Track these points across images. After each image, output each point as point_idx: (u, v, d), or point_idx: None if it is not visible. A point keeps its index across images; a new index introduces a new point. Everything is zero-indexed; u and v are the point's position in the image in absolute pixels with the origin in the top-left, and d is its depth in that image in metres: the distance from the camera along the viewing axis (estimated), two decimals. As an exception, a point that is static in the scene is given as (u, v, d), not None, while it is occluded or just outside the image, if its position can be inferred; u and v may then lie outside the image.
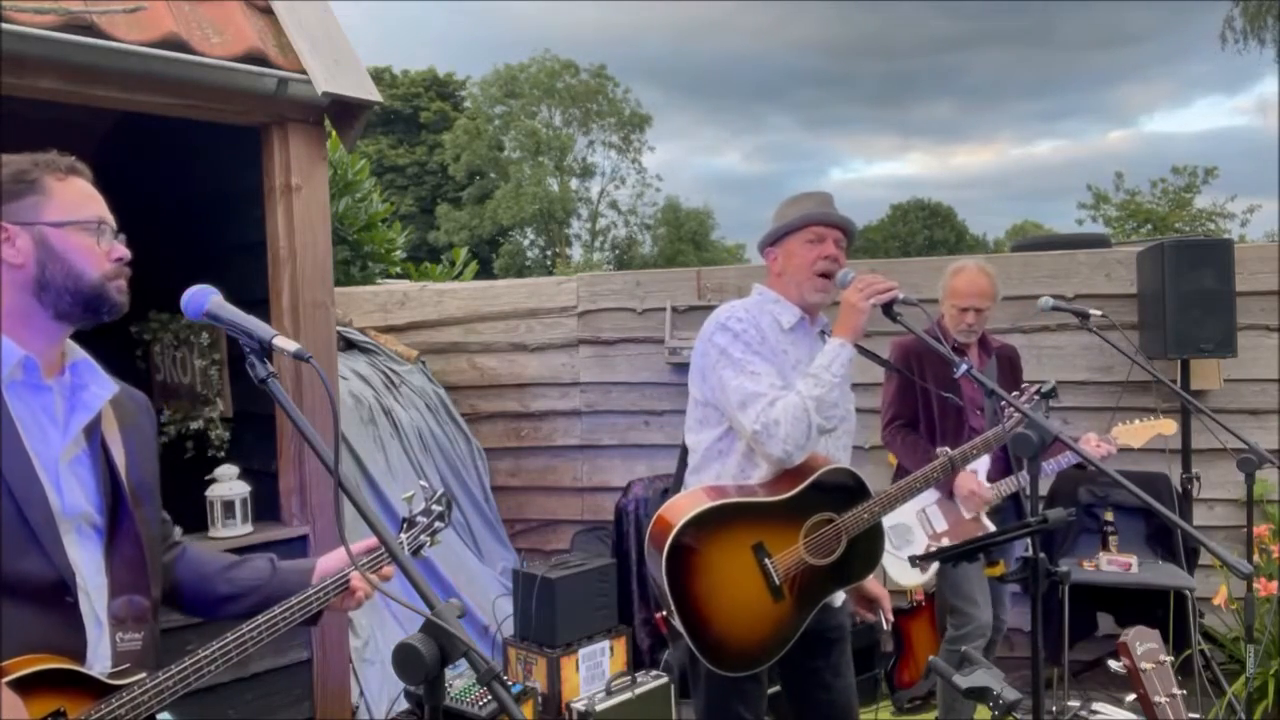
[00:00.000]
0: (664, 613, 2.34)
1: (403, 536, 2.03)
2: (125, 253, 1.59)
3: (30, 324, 1.53)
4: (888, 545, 3.37)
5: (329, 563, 1.86)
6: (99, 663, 1.53)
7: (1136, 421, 3.49)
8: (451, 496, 2.15)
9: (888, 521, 3.39)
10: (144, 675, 1.55)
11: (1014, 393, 2.69)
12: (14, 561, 1.44)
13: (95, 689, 1.49)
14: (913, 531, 3.42)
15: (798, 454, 2.34)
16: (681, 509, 2.31)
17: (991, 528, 3.36)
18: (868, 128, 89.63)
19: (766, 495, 2.35)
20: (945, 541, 3.35)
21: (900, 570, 3.42)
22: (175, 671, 1.57)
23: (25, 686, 1.41)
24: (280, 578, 1.81)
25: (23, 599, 1.45)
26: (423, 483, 2.16)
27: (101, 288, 1.55)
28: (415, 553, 2.04)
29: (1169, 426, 3.51)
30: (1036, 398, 2.63)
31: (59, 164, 1.56)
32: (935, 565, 3.36)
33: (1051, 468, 3.43)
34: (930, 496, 3.41)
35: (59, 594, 1.49)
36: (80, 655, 1.51)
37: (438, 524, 2.06)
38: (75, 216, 1.54)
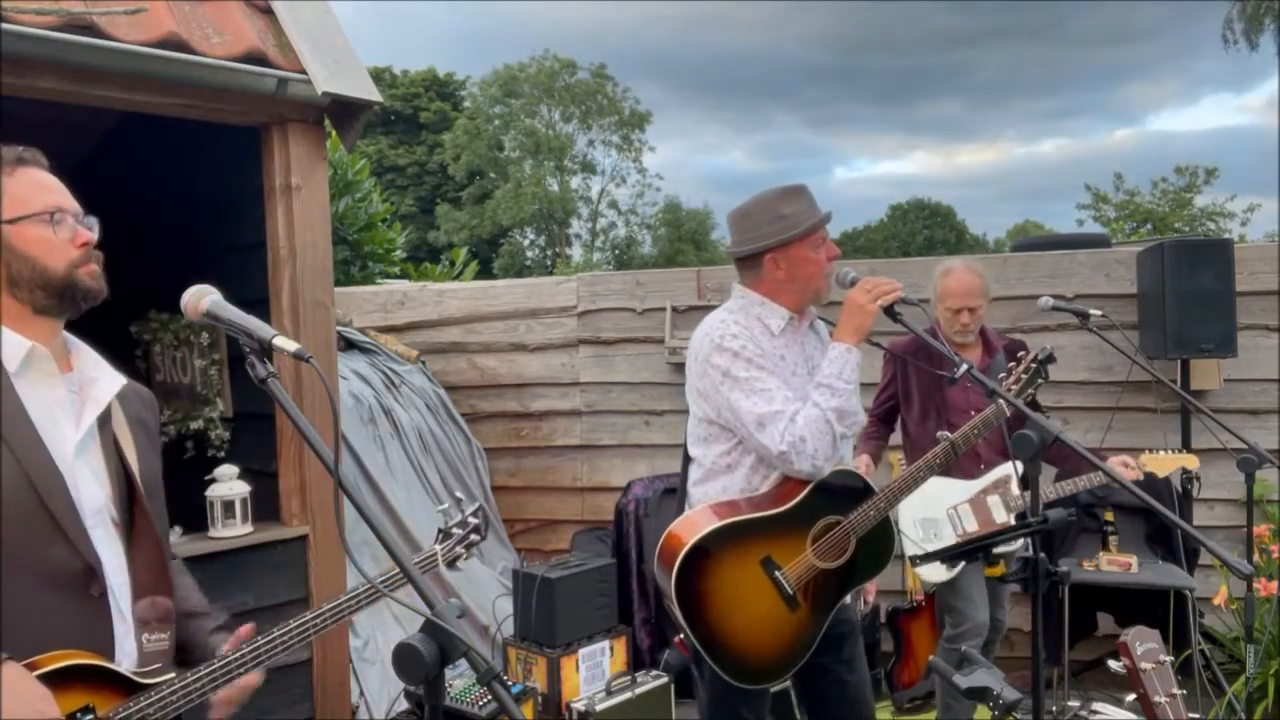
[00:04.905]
0: (681, 636, 2.33)
1: (438, 547, 2.04)
2: (90, 236, 1.55)
3: (20, 322, 1.52)
4: (916, 537, 3.38)
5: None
6: (125, 660, 1.54)
7: (1162, 453, 3.53)
8: (488, 513, 2.16)
9: (916, 514, 3.41)
10: (173, 675, 1.55)
11: (1011, 364, 2.68)
12: (40, 551, 1.45)
13: (124, 686, 1.49)
14: (941, 526, 3.42)
15: (826, 467, 2.33)
16: (689, 529, 2.30)
17: None
18: (872, 126, 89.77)
19: (773, 506, 2.33)
20: None
21: (925, 568, 3.42)
22: (205, 672, 1.56)
23: (55, 681, 1.41)
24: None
25: (51, 590, 1.46)
26: (459, 494, 2.18)
27: (70, 277, 1.52)
28: (451, 565, 2.06)
29: (1193, 461, 3.59)
30: (1034, 365, 2.62)
31: (6, 158, 1.53)
32: (962, 563, 3.37)
33: (1081, 484, 3.44)
34: (963, 494, 3.41)
35: (86, 584, 1.49)
36: (108, 650, 1.51)
37: (473, 536, 2.07)
38: (27, 210, 1.51)
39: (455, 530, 2.06)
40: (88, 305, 1.57)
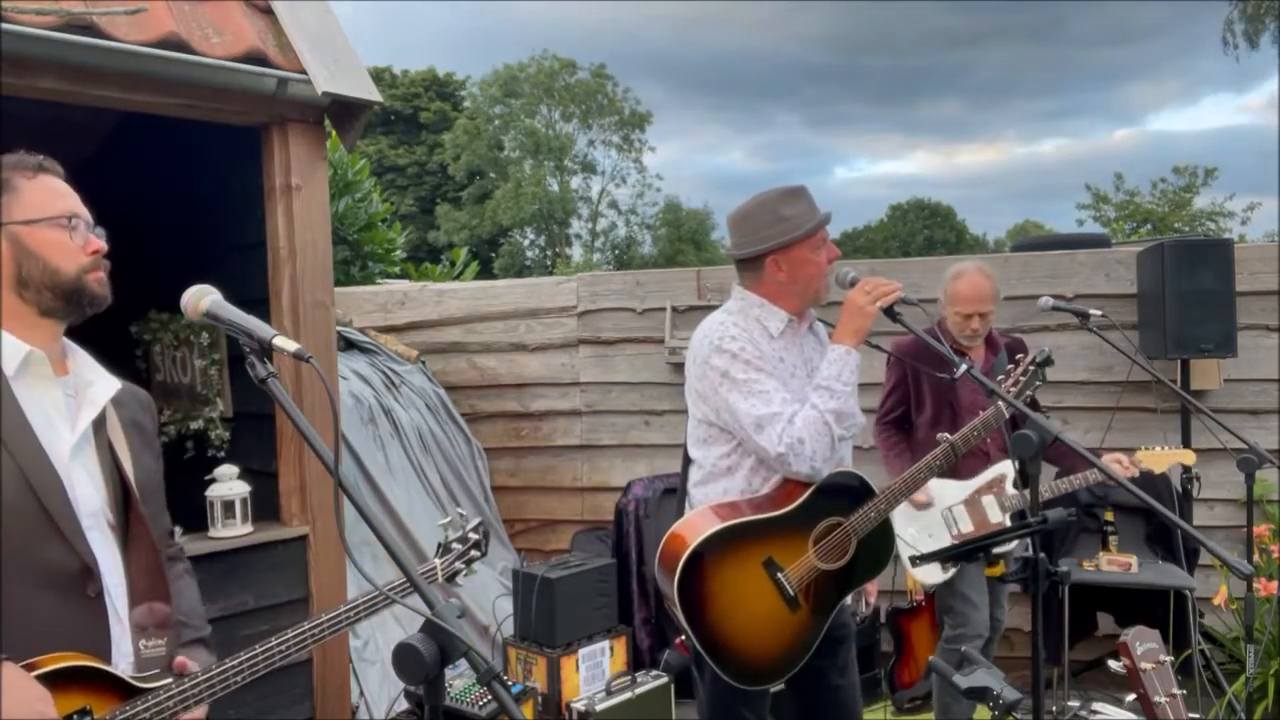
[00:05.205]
0: (682, 637, 2.33)
1: (437, 561, 2.04)
2: (101, 245, 1.60)
3: (20, 321, 1.54)
4: (910, 539, 3.38)
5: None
6: (122, 662, 1.55)
7: (1157, 448, 3.50)
8: (487, 533, 2.14)
9: (910, 516, 3.40)
10: (170, 681, 1.55)
11: (1010, 365, 2.68)
12: (38, 550, 1.46)
13: (122, 690, 1.50)
14: (936, 528, 3.41)
15: (825, 468, 2.33)
16: (691, 531, 2.30)
17: None
18: (873, 126, 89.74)
19: (774, 508, 2.33)
20: None
21: (922, 569, 3.41)
22: (202, 679, 1.57)
23: (53, 682, 1.42)
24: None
25: (48, 590, 1.47)
26: (460, 510, 2.17)
27: (79, 281, 1.56)
28: (450, 579, 2.05)
29: (1189, 457, 3.55)
30: (1033, 368, 2.62)
31: (27, 163, 1.58)
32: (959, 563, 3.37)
33: (1078, 483, 3.42)
34: (957, 495, 3.41)
35: (83, 584, 1.50)
36: (105, 652, 1.52)
37: (473, 553, 2.06)
38: (46, 213, 1.55)
39: (455, 545, 2.05)
40: (93, 311, 1.60)
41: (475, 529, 2.07)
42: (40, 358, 1.54)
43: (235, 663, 1.61)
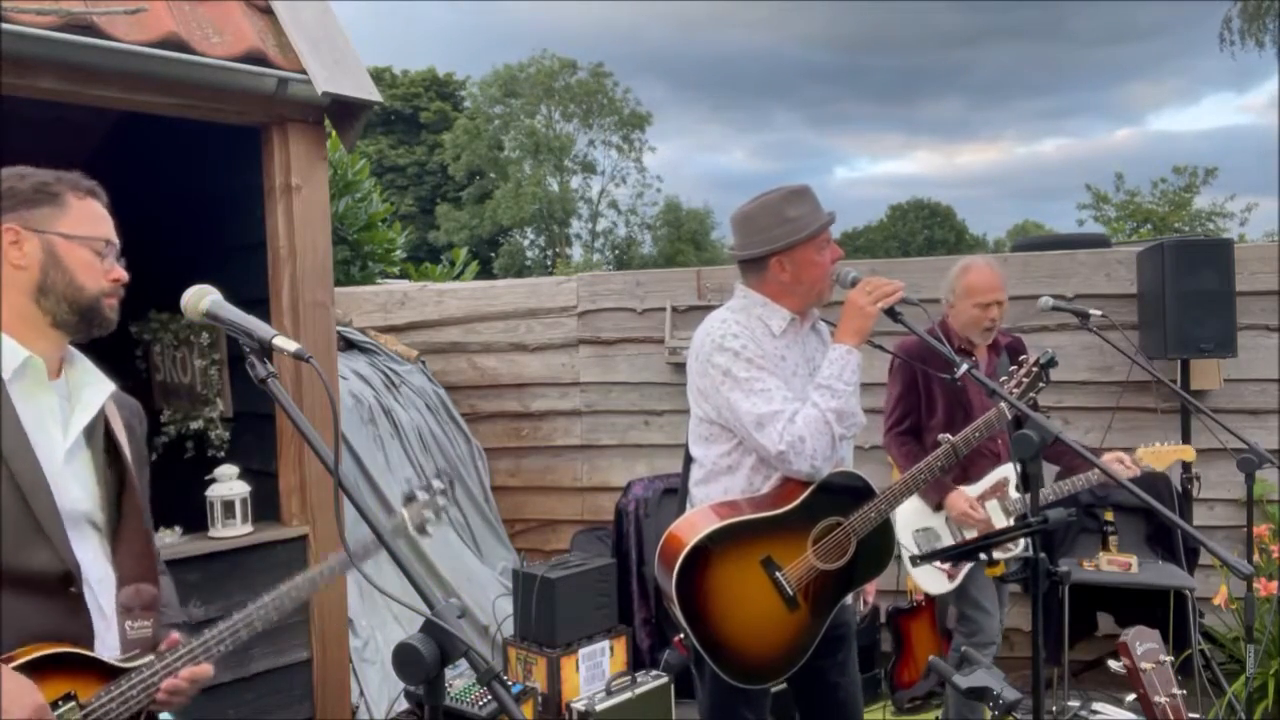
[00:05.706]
0: (681, 636, 2.33)
1: (404, 511, 2.07)
2: (123, 275, 1.67)
3: (30, 326, 1.58)
4: (914, 548, 3.36)
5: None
6: (107, 652, 1.57)
7: (1158, 445, 3.48)
8: (452, 482, 2.17)
9: (912, 523, 3.39)
10: (152, 658, 1.58)
11: (1013, 367, 2.67)
12: (23, 556, 1.48)
13: (105, 673, 1.53)
14: (941, 537, 3.39)
15: (825, 467, 2.33)
16: (689, 529, 2.30)
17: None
18: (874, 125, 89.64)
19: (775, 507, 2.33)
20: None
21: (927, 578, 3.39)
22: (183, 652, 1.60)
23: (35, 671, 1.44)
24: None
25: (30, 592, 1.49)
26: (420, 461, 2.19)
27: (97, 302, 1.62)
28: (420, 529, 2.07)
29: (1189, 453, 3.53)
30: (1036, 369, 2.60)
31: (81, 184, 1.65)
32: (962, 573, 3.35)
33: (1080, 484, 3.40)
34: None
35: (65, 585, 1.52)
36: (88, 643, 1.54)
37: (440, 499, 2.08)
38: (86, 233, 1.62)
39: (419, 494, 2.07)
40: (99, 333, 1.65)
41: (438, 477, 2.10)
42: (39, 364, 1.57)
43: (216, 634, 1.64)
